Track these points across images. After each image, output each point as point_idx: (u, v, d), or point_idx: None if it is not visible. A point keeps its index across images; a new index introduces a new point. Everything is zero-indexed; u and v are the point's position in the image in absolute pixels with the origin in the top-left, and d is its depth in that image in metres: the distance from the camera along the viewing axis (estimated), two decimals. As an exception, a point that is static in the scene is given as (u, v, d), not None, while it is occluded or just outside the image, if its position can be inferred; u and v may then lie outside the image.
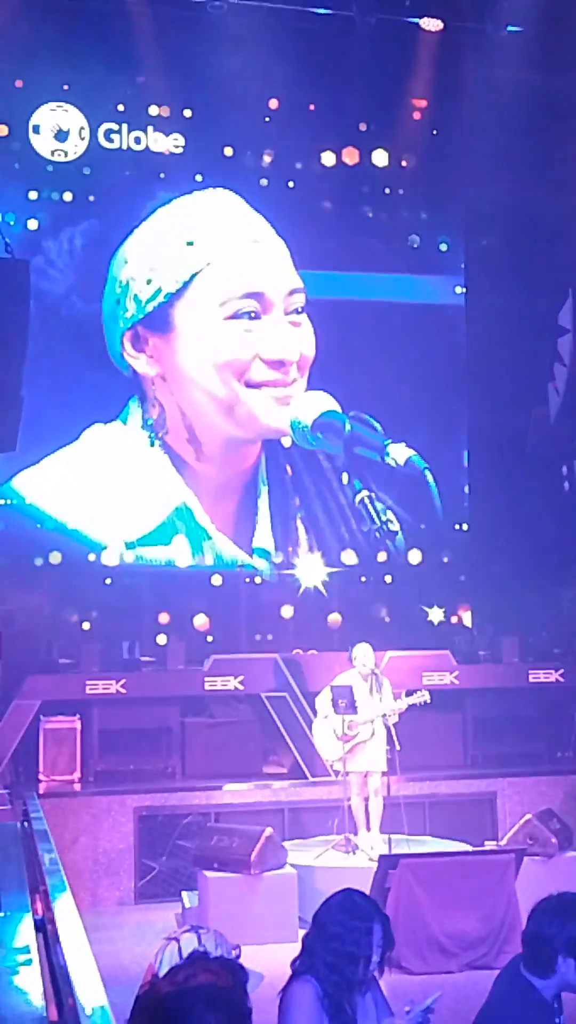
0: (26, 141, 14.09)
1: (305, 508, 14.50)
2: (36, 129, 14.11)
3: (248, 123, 14.58)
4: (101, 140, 14.32)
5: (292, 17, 14.02)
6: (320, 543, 14.49)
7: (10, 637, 12.44)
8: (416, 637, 13.59)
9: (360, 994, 4.16)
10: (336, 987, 4.08)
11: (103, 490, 13.81)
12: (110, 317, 14.01)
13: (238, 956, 4.30)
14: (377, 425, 13.95)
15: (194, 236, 14.01)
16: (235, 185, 14.48)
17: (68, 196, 14.24)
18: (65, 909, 5.57)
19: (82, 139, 14.22)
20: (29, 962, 4.48)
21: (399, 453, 13.56)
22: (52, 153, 14.16)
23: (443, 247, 15.52)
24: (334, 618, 14.29)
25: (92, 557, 13.80)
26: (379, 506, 14.05)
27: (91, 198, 14.32)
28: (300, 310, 14.16)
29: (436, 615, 14.10)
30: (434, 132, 15.26)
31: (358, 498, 13.99)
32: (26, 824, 8.79)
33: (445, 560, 15.01)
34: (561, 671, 13.18)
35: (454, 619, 14.72)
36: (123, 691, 12.17)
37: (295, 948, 4.30)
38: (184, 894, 10.25)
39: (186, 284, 13.89)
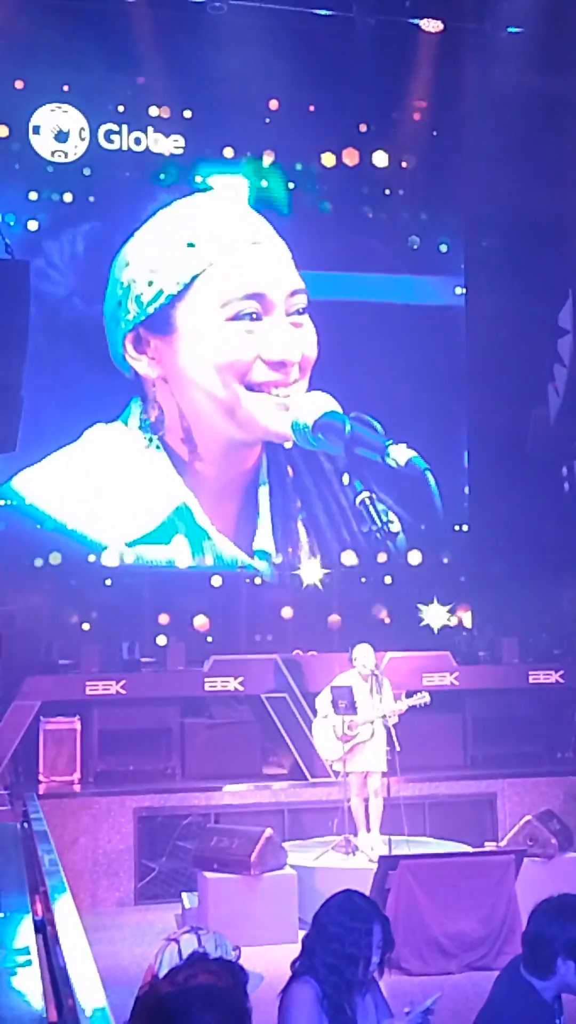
0: (26, 142, 14.10)
1: (306, 510, 14.50)
2: (36, 130, 14.12)
3: (248, 124, 14.58)
4: (101, 141, 14.33)
5: (292, 18, 14.02)
6: (321, 544, 14.49)
7: (10, 638, 12.46)
8: (416, 638, 13.58)
9: (360, 995, 4.16)
10: (336, 988, 4.08)
11: (103, 490, 13.83)
12: (112, 319, 14.02)
13: (238, 957, 4.32)
14: (378, 426, 13.96)
15: (195, 238, 14.02)
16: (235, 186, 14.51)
17: (68, 197, 14.25)
18: (65, 910, 5.57)
19: (82, 140, 14.23)
20: (29, 963, 4.48)
21: (400, 454, 13.57)
22: (52, 154, 14.17)
23: (443, 248, 15.52)
24: (334, 619, 14.29)
25: (92, 558, 13.81)
26: (380, 507, 14.06)
27: (91, 199, 14.33)
28: (302, 311, 14.17)
29: (436, 616, 14.06)
30: (434, 133, 15.27)
31: (359, 499, 14.01)
32: (26, 825, 8.79)
33: (445, 561, 15.01)
34: (561, 672, 13.17)
35: (454, 620, 14.71)
36: (123, 692, 12.17)
37: (295, 949, 4.30)
38: (184, 895, 10.25)
39: (187, 286, 13.91)
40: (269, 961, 6.35)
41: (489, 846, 10.61)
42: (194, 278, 13.91)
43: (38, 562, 13.68)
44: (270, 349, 13.88)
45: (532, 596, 13.99)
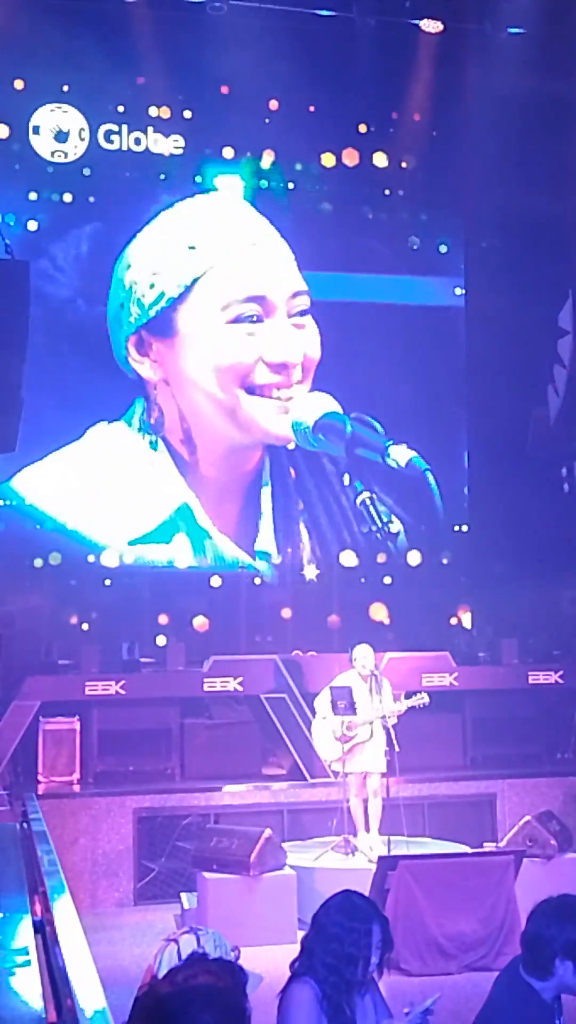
0: (26, 142, 14.10)
1: (308, 511, 14.50)
2: (36, 130, 14.11)
3: (248, 124, 14.58)
4: (101, 141, 14.33)
5: (292, 18, 14.00)
6: (322, 545, 14.50)
7: (10, 638, 12.46)
8: (416, 638, 13.58)
9: (359, 995, 4.16)
10: (335, 988, 4.08)
11: (104, 489, 13.83)
12: (114, 321, 14.02)
13: (237, 957, 4.31)
14: (378, 426, 13.96)
15: (196, 240, 14.02)
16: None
17: (68, 197, 14.25)
18: (64, 910, 5.56)
19: (82, 140, 14.23)
20: (28, 963, 4.48)
21: (400, 454, 13.56)
22: (52, 154, 14.17)
23: (443, 249, 15.51)
24: (333, 619, 14.29)
25: (92, 558, 13.81)
26: (381, 508, 14.06)
27: (91, 199, 14.33)
28: (304, 312, 14.16)
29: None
30: (434, 134, 15.25)
31: (359, 499, 14.01)
32: (25, 825, 8.79)
33: (445, 561, 15.01)
34: (560, 672, 13.17)
35: (453, 620, 14.72)
36: (122, 692, 12.16)
37: (294, 949, 4.31)
38: (183, 895, 10.25)
39: (188, 288, 13.90)
40: (268, 961, 6.34)
41: (488, 847, 10.60)
42: (195, 281, 13.91)
43: (38, 562, 13.68)
44: (271, 351, 13.87)
45: (532, 597, 13.98)
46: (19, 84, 13.92)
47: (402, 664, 12.36)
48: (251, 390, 13.89)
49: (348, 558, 14.58)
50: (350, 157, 15.11)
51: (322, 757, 10.79)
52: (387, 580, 14.71)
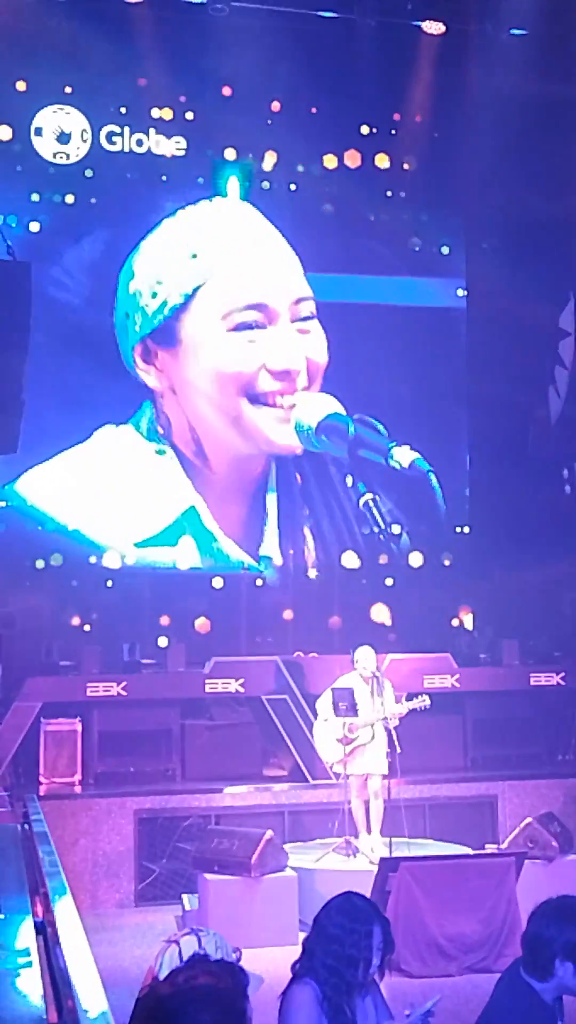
0: (28, 143, 14.10)
1: (313, 516, 14.51)
2: (38, 131, 14.12)
3: (250, 126, 14.59)
4: (103, 142, 14.33)
5: (294, 20, 14.03)
6: (323, 546, 14.51)
7: (11, 639, 12.46)
8: (417, 640, 13.57)
9: (360, 997, 4.16)
10: (336, 990, 4.08)
11: (109, 491, 13.85)
12: (121, 330, 14.04)
13: (238, 959, 4.31)
14: (381, 427, 13.96)
15: (198, 248, 14.01)
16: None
17: (70, 198, 14.25)
18: (65, 911, 5.57)
19: (84, 141, 14.23)
20: (29, 964, 4.49)
21: (403, 456, 13.56)
22: (54, 155, 14.17)
23: (444, 250, 15.51)
24: (335, 620, 14.29)
25: (93, 559, 13.82)
26: (383, 508, 14.05)
27: (93, 200, 14.34)
28: (309, 318, 14.14)
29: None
30: (435, 135, 15.25)
31: (362, 501, 14.01)
32: (26, 826, 8.79)
33: (446, 563, 15.01)
34: (562, 674, 13.16)
35: (455, 622, 14.72)
36: (124, 693, 12.16)
37: (295, 951, 4.31)
38: (184, 897, 10.25)
39: (189, 297, 13.89)
40: (269, 963, 6.34)
41: (490, 848, 10.60)
42: (196, 289, 13.90)
43: (39, 563, 13.69)
44: (274, 358, 13.85)
45: (533, 598, 13.99)
46: (21, 85, 13.93)
47: (403, 665, 12.35)
48: (254, 398, 13.87)
49: (350, 559, 14.58)
50: (352, 158, 15.11)
51: (323, 758, 10.79)
52: (388, 581, 14.71)
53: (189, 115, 14.55)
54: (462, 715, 13.02)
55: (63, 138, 14.18)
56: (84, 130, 14.24)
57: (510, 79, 14.22)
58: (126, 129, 14.44)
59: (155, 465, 14.00)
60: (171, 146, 14.58)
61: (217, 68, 14.12)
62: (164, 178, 14.63)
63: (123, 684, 12.20)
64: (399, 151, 15.24)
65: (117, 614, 13.72)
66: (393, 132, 15.22)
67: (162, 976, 3.12)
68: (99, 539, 13.82)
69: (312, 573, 14.45)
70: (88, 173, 14.29)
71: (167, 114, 14.48)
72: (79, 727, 11.97)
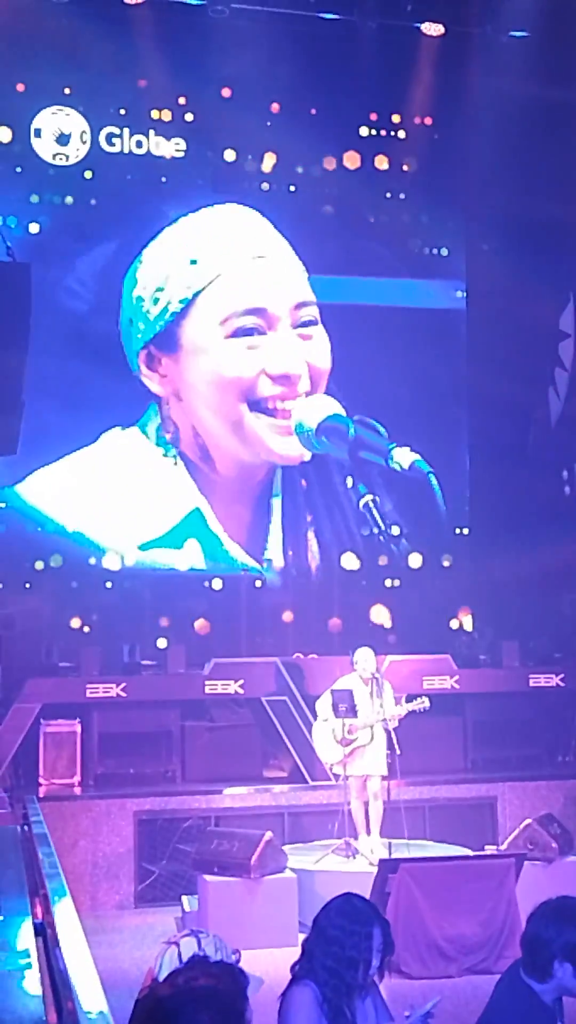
0: (27, 144, 14.11)
1: (316, 521, 14.52)
2: (38, 133, 14.13)
3: (250, 127, 14.59)
4: (103, 144, 14.34)
5: (293, 21, 14.04)
6: (324, 548, 14.52)
7: (10, 640, 12.47)
8: (416, 641, 13.57)
9: (360, 998, 4.16)
10: (336, 991, 4.08)
11: (114, 493, 13.87)
12: (126, 335, 14.07)
13: (238, 960, 4.31)
14: (382, 429, 13.94)
15: (198, 254, 14.01)
16: (237, 189, 14.53)
17: (70, 200, 14.26)
18: (65, 913, 5.57)
19: (83, 143, 14.24)
20: (29, 966, 4.48)
21: (404, 457, 13.54)
22: (54, 157, 14.18)
23: (444, 251, 15.52)
24: (334, 622, 14.29)
25: (93, 560, 13.82)
26: (384, 510, 14.05)
27: (93, 202, 14.35)
28: (312, 322, 14.14)
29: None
30: (435, 137, 15.27)
31: (362, 502, 13.99)
32: (26, 827, 8.79)
33: (446, 564, 15.01)
34: (561, 675, 13.16)
35: (454, 623, 14.72)
36: (123, 695, 12.16)
37: (295, 952, 4.31)
38: (184, 898, 10.25)
39: (189, 303, 13.89)
40: (269, 964, 6.34)
41: (489, 849, 10.59)
42: (196, 295, 13.90)
43: (39, 565, 13.69)
44: (273, 363, 13.84)
45: (532, 599, 13.99)
46: (21, 87, 13.93)
47: (403, 667, 12.35)
48: (254, 404, 13.85)
49: (349, 560, 14.58)
50: (351, 160, 15.12)
51: (323, 760, 10.79)
52: (388, 583, 14.71)
53: (189, 116, 14.56)
54: (462, 716, 13.02)
55: (63, 139, 14.18)
56: (84, 131, 14.25)
57: (510, 81, 14.23)
58: (126, 130, 14.45)
59: (161, 468, 14.02)
60: (171, 147, 14.58)
61: (217, 69, 14.14)
62: (164, 179, 14.64)
63: (123, 685, 12.20)
64: (399, 152, 15.26)
65: (117, 615, 13.73)
66: (393, 133, 15.24)
67: (162, 977, 3.12)
68: (100, 541, 13.83)
69: (315, 576, 14.44)
70: (88, 174, 14.31)
71: (167, 115, 14.49)
72: (79, 728, 11.97)
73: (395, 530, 14.38)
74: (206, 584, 14.19)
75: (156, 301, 13.91)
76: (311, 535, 14.52)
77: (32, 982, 4.25)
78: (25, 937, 4.99)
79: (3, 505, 13.67)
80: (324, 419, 13.67)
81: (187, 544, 13.93)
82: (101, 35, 13.55)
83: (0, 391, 7.73)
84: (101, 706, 12.15)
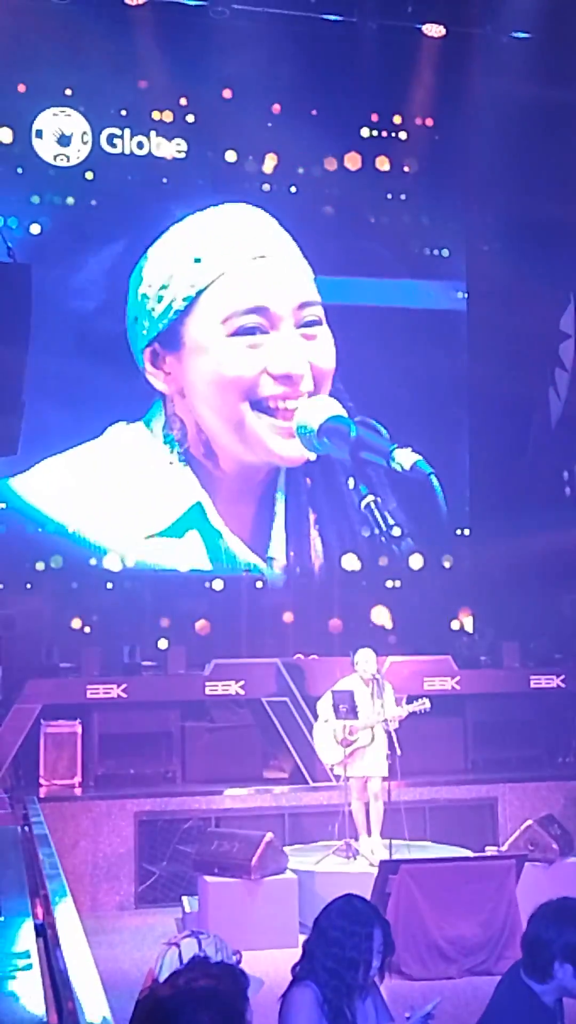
0: (28, 145, 14.11)
1: (320, 519, 14.52)
2: (39, 134, 14.13)
3: (251, 128, 14.59)
4: (103, 145, 14.34)
5: (294, 22, 14.04)
6: (325, 548, 14.52)
7: (11, 640, 12.46)
8: (417, 642, 13.57)
9: (360, 999, 4.16)
10: (336, 992, 4.09)
11: (116, 488, 13.88)
12: (132, 333, 14.09)
13: (239, 961, 4.31)
14: (383, 430, 13.94)
15: (202, 253, 14.02)
16: (237, 189, 14.54)
17: (71, 200, 14.27)
18: (65, 913, 5.57)
19: (84, 144, 14.24)
20: (29, 966, 4.49)
21: (405, 458, 13.55)
22: (55, 158, 14.18)
23: (445, 252, 15.52)
24: (335, 623, 14.29)
25: (93, 561, 13.82)
26: (385, 510, 14.05)
27: (93, 203, 14.36)
28: (315, 323, 14.14)
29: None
30: (436, 138, 15.27)
31: (364, 503, 14.00)
32: (26, 828, 8.80)
33: (447, 565, 15.01)
34: (562, 676, 13.16)
35: (455, 624, 14.72)
36: (124, 695, 12.16)
37: (296, 953, 4.31)
38: (184, 899, 10.25)
39: (193, 300, 13.90)
40: (270, 965, 6.34)
41: (490, 850, 10.59)
42: (199, 293, 13.91)
43: (39, 565, 13.69)
44: (275, 363, 13.84)
45: (533, 600, 13.98)
46: (22, 88, 13.93)
47: (404, 668, 12.35)
48: (256, 404, 13.85)
49: (350, 561, 14.58)
50: (352, 161, 15.12)
51: (324, 761, 10.79)
52: (389, 583, 14.71)
53: (190, 117, 14.56)
54: (462, 717, 13.01)
55: (63, 140, 14.18)
56: (84, 132, 14.25)
57: (511, 82, 14.22)
58: (127, 131, 14.45)
59: (164, 464, 14.03)
60: (172, 148, 14.58)
61: (218, 70, 14.14)
62: (165, 180, 14.64)
63: (123, 686, 12.20)
64: (400, 153, 15.26)
65: (117, 616, 13.72)
66: (394, 134, 15.24)
67: (162, 978, 3.12)
68: (101, 540, 13.83)
69: (318, 576, 14.45)
70: (89, 175, 14.31)
71: (168, 116, 14.49)
72: (79, 729, 11.97)
73: (396, 531, 14.37)
74: (207, 585, 14.20)
75: (160, 299, 13.93)
76: (314, 534, 14.53)
77: (32, 983, 4.26)
78: (26, 938, 4.99)
79: (3, 505, 13.67)
80: (326, 420, 13.67)
81: (189, 537, 13.92)
82: (102, 36, 13.55)
83: (1, 391, 7.73)
84: (101, 707, 12.15)
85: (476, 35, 14.67)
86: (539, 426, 14.80)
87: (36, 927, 5.25)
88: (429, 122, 15.25)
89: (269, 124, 14.77)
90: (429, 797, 11.78)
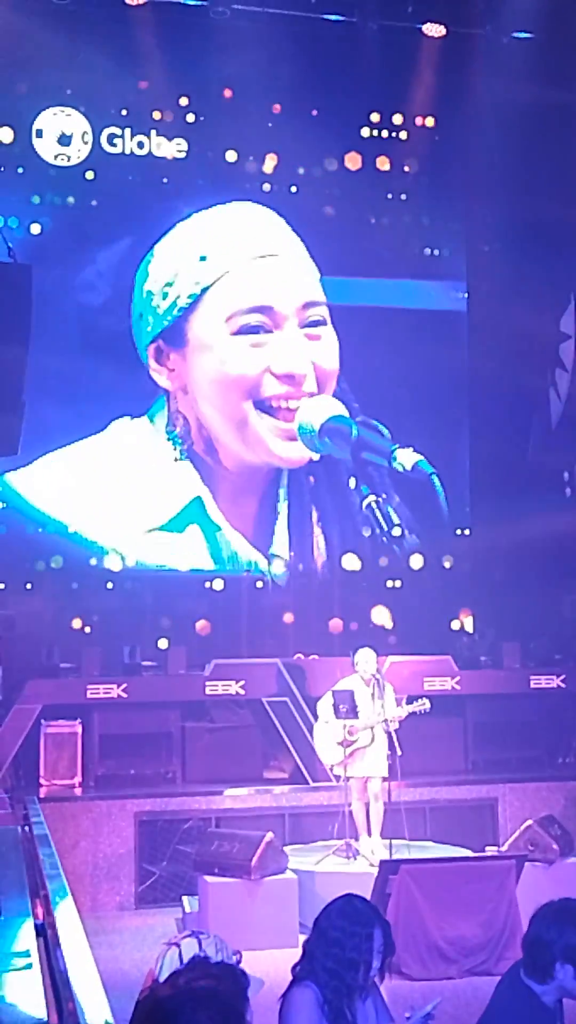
0: (29, 145, 14.10)
1: (324, 519, 14.51)
2: (39, 133, 14.12)
3: (251, 128, 14.59)
4: (104, 144, 14.33)
5: (294, 22, 14.03)
6: (326, 548, 14.52)
7: (11, 641, 12.46)
8: (417, 642, 13.57)
9: (360, 1000, 4.16)
10: (336, 992, 4.08)
11: (118, 483, 13.88)
12: (137, 330, 14.09)
13: (239, 961, 4.30)
14: (384, 430, 13.94)
15: (208, 251, 14.02)
16: (238, 189, 14.55)
17: (71, 200, 14.27)
18: (66, 913, 5.57)
19: (85, 143, 14.23)
20: (29, 966, 4.49)
21: (407, 458, 13.54)
22: (55, 157, 14.17)
23: (445, 252, 15.51)
24: (335, 623, 14.29)
25: (93, 561, 13.82)
26: (388, 511, 14.04)
27: (94, 203, 14.35)
28: (320, 323, 14.14)
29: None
30: (436, 138, 15.27)
31: (365, 503, 13.99)
32: (27, 828, 8.80)
33: (447, 565, 15.01)
34: (562, 677, 13.16)
35: (455, 624, 14.71)
36: (124, 695, 12.16)
37: (296, 953, 4.31)
38: (185, 899, 10.25)
39: (197, 298, 13.90)
40: (270, 965, 6.33)
41: (490, 851, 10.60)
42: (204, 291, 13.91)
43: (40, 565, 13.69)
44: (278, 362, 13.83)
45: (534, 601, 13.97)
46: (22, 87, 13.92)
47: (404, 668, 12.35)
48: (260, 404, 13.84)
49: (351, 561, 14.58)
50: (353, 161, 15.12)
51: (324, 761, 10.79)
52: (389, 584, 14.71)
53: (190, 117, 14.55)
54: (463, 718, 13.02)
55: (64, 140, 14.18)
56: (85, 132, 14.24)
57: (511, 82, 14.21)
58: (127, 131, 14.44)
59: (167, 459, 14.03)
60: (172, 148, 14.58)
61: (218, 70, 14.13)
62: (165, 180, 14.63)
63: (123, 686, 12.20)
64: (400, 154, 15.25)
65: (117, 616, 13.71)
66: (394, 135, 15.23)
67: (162, 978, 3.11)
68: (101, 539, 13.83)
69: (320, 575, 14.45)
70: (89, 175, 14.29)
71: (168, 116, 14.48)
72: (79, 729, 11.97)
73: (396, 531, 14.37)
74: (207, 585, 14.19)
75: (165, 296, 13.94)
76: (317, 532, 14.52)
77: (33, 983, 4.25)
78: (26, 938, 4.99)
79: (3, 505, 13.67)
80: (327, 420, 13.66)
81: (190, 533, 13.93)
82: (103, 36, 13.54)
83: (1, 391, 7.73)
84: (102, 707, 12.15)
85: (477, 35, 14.65)
86: (540, 426, 14.79)
87: (36, 927, 5.25)
88: (430, 122, 15.25)
89: (269, 124, 14.77)
90: (429, 797, 11.78)
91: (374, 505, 13.83)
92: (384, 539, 14.19)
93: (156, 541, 13.95)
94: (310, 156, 14.97)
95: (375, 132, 15.16)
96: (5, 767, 11.49)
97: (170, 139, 14.56)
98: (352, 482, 14.22)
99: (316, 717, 10.85)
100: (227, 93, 14.48)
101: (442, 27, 14.41)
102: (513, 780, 12.17)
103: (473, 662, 13.57)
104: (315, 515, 14.52)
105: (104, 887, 10.90)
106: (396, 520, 14.04)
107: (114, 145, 14.39)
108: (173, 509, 13.97)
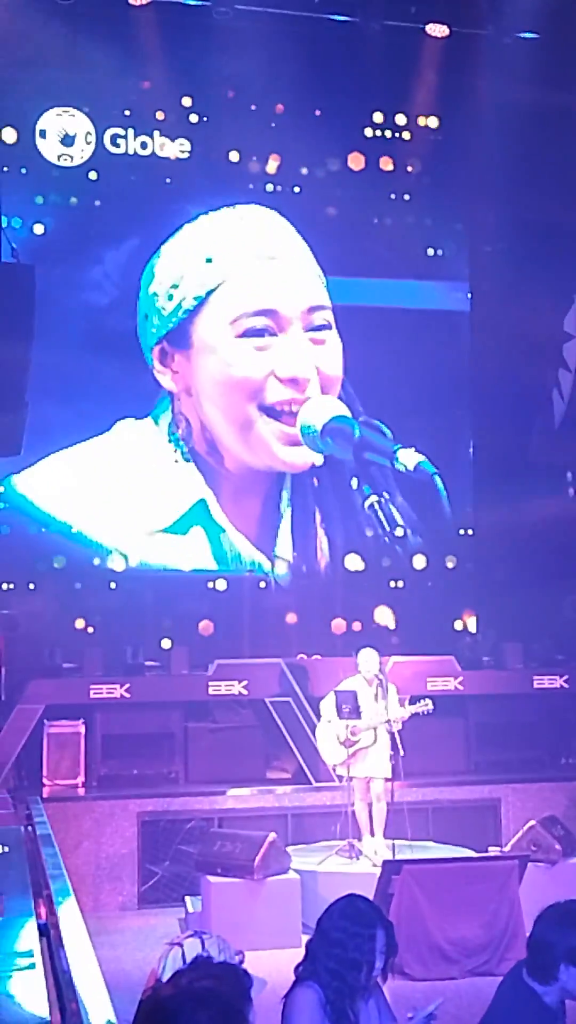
0: (32, 146, 14.10)
1: (327, 520, 14.52)
2: (42, 134, 14.13)
3: (254, 128, 14.59)
4: (107, 145, 14.34)
5: (297, 23, 14.03)
6: (329, 549, 14.52)
7: (14, 641, 12.46)
8: (420, 642, 13.56)
9: (363, 1000, 4.16)
10: (339, 993, 4.08)
11: (121, 484, 13.88)
12: (142, 331, 14.09)
13: (241, 961, 4.30)
14: (387, 430, 13.94)
15: (214, 253, 14.03)
16: (241, 190, 14.55)
17: (74, 201, 14.28)
18: (68, 914, 5.58)
19: (88, 144, 14.24)
20: (32, 966, 4.49)
21: (409, 458, 13.55)
22: (58, 158, 14.18)
23: (448, 253, 15.51)
24: (338, 623, 14.28)
25: (96, 561, 13.83)
26: (391, 511, 14.04)
27: (97, 203, 14.35)
28: (324, 327, 14.13)
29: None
30: (440, 138, 15.27)
31: (367, 503, 14.00)
32: (30, 828, 8.81)
33: (450, 565, 15.01)
34: (565, 677, 13.15)
35: (458, 625, 14.71)
36: (127, 695, 12.16)
37: (298, 954, 4.31)
38: (187, 899, 10.26)
39: (202, 301, 13.91)
40: (272, 966, 6.32)
41: (493, 851, 10.60)
42: (209, 293, 13.91)
43: (42, 566, 13.70)
44: (282, 366, 13.83)
45: (536, 601, 13.95)
46: (25, 88, 13.91)
47: (407, 668, 12.35)
48: (264, 407, 13.83)
49: (353, 562, 14.58)
50: (356, 161, 15.12)
51: (326, 761, 10.79)
52: (392, 584, 14.70)
53: (193, 118, 14.56)
54: (465, 718, 13.01)
55: (67, 140, 14.18)
56: (88, 132, 14.24)
57: (515, 82, 14.20)
58: (130, 131, 14.45)
59: (170, 460, 14.04)
60: (175, 148, 14.58)
61: (221, 71, 14.13)
62: (168, 180, 14.63)
63: (126, 686, 12.20)
64: (403, 154, 15.25)
65: (120, 616, 13.71)
66: (397, 135, 15.22)
67: (165, 978, 3.12)
68: (104, 539, 13.84)
69: (323, 575, 14.45)
70: (92, 175, 14.30)
71: (171, 117, 14.48)
72: (82, 729, 11.98)
73: (399, 531, 14.37)
74: (210, 585, 14.19)
75: (171, 297, 13.94)
76: (320, 533, 14.52)
77: (36, 983, 4.26)
78: (29, 937, 4.99)
79: (4, 506, 13.68)
80: (329, 420, 13.67)
81: (193, 534, 13.93)
82: (105, 36, 13.53)
83: (4, 392, 7.74)
84: (104, 707, 12.15)
85: (480, 35, 14.64)
86: (542, 427, 14.78)
87: (39, 927, 5.26)
88: (433, 122, 15.25)
89: (272, 124, 14.78)
90: (432, 798, 11.77)
91: (376, 505, 13.84)
92: (387, 539, 14.20)
93: (160, 543, 13.96)
94: (313, 156, 14.98)
95: (378, 132, 15.16)
96: (8, 767, 11.49)
97: (173, 139, 14.56)
98: (354, 482, 14.22)
99: (319, 717, 10.85)
100: (230, 93, 14.48)
101: (445, 27, 14.40)
102: (516, 780, 12.17)
103: (476, 662, 13.57)
104: (318, 516, 14.52)
105: (107, 887, 10.91)
106: (399, 520, 14.05)
107: (117, 145, 14.39)
108: (177, 511, 13.98)
